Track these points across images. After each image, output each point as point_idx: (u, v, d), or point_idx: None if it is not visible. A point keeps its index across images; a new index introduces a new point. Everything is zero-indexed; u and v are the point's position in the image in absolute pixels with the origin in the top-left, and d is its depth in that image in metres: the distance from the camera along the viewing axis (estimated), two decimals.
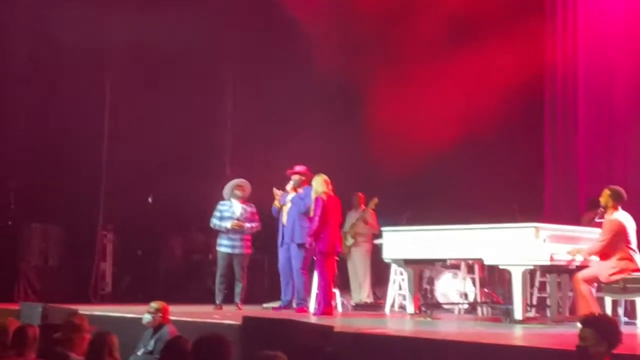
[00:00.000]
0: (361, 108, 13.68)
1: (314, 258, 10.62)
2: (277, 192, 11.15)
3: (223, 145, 15.90)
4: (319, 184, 10.46)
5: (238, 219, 11.32)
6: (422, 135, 12.87)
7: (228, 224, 11.33)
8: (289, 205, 11.00)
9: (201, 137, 15.03)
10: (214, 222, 11.49)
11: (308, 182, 11.00)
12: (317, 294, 10.53)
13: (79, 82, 12.86)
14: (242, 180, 11.69)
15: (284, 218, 11.02)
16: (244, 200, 11.54)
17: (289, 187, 11.08)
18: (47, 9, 12.55)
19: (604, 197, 8.82)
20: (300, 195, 10.93)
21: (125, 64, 13.60)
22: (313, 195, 10.47)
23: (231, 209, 11.46)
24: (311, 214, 10.49)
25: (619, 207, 8.77)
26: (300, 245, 10.80)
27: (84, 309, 9.88)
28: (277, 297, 11.57)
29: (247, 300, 11.64)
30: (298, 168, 11.17)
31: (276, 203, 11.18)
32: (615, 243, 8.60)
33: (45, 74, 12.75)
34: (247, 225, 11.35)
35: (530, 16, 13.14)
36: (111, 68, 13.35)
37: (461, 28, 13.14)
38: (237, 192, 11.48)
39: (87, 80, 12.97)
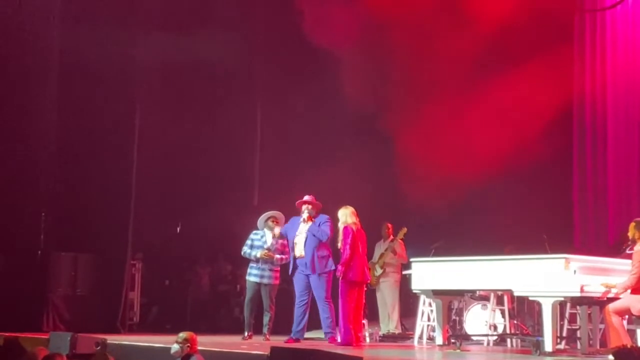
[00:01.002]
0: (390, 139, 13.69)
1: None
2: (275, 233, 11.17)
3: (251, 176, 15.97)
4: (348, 215, 10.46)
5: (269, 249, 11.32)
6: (451, 166, 12.88)
7: (258, 253, 11.33)
8: (304, 236, 10.92)
9: (230, 167, 15.11)
10: (245, 249, 11.51)
11: (317, 211, 11.00)
12: (341, 323, 10.43)
13: (109, 110, 12.96)
14: (277, 212, 11.69)
15: (299, 249, 10.95)
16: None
17: (305, 216, 11.01)
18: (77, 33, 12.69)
19: (631, 230, 8.76)
20: (316, 223, 10.86)
21: (155, 93, 13.71)
22: (341, 226, 10.44)
23: (263, 239, 11.46)
24: (339, 244, 10.45)
25: None
26: (322, 275, 10.74)
27: (112, 339, 9.92)
28: (311, 327, 11.54)
29: (275, 330, 11.58)
30: (307, 198, 11.11)
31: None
32: None
33: (75, 102, 12.85)
34: (277, 256, 11.33)
35: (559, 47, 13.15)
36: (140, 98, 13.42)
37: (490, 59, 13.16)
38: (270, 224, 11.48)
39: (116, 109, 13.05)
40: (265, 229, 11.49)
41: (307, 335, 11.48)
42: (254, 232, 11.57)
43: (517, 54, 12.82)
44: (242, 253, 11.59)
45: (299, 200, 11.09)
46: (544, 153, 12.84)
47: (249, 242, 11.48)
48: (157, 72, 13.69)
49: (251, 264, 11.46)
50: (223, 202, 14.62)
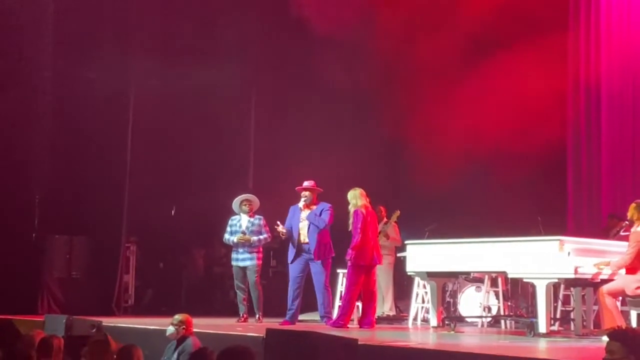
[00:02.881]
0: (385, 123, 13.68)
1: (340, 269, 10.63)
2: (281, 230, 11.14)
3: (246, 159, 15.95)
4: (357, 198, 10.49)
5: (244, 232, 11.34)
6: (445, 149, 12.87)
7: (235, 238, 11.37)
8: (305, 222, 10.94)
9: (224, 150, 15.10)
10: (225, 236, 11.55)
11: (318, 197, 11.01)
12: (339, 305, 10.51)
13: (103, 93, 12.93)
14: (249, 195, 11.72)
15: (302, 236, 10.97)
16: (252, 214, 11.53)
17: (300, 204, 11.04)
18: None
19: (631, 211, 8.77)
20: (315, 211, 10.86)
21: (150, 75, 13.66)
22: (351, 209, 10.46)
23: (239, 223, 11.48)
24: (349, 227, 10.48)
25: None
26: (325, 262, 10.78)
27: (108, 321, 9.93)
28: (305, 310, 11.58)
29: (272, 313, 11.62)
30: (306, 184, 11.09)
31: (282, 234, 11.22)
32: None
33: (69, 85, 12.81)
34: (254, 238, 11.33)
35: (554, 31, 13.13)
36: (135, 81, 13.40)
37: (485, 44, 13.15)
38: (244, 207, 11.50)
39: (111, 92, 13.02)
40: (241, 213, 11.50)
41: (302, 317, 11.53)
42: (232, 217, 11.60)
43: (512, 39, 12.80)
44: (224, 240, 11.65)
45: (298, 187, 11.10)
46: (539, 137, 12.84)
47: (228, 228, 11.53)
48: (153, 53, 13.62)
49: (233, 249, 11.53)
50: (218, 184, 14.61)
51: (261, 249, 11.56)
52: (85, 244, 13.12)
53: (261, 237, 11.37)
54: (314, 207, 10.92)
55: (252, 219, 11.46)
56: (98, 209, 12.93)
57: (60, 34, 12.79)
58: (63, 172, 12.85)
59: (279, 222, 11.09)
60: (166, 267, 15.77)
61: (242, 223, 11.45)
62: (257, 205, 11.59)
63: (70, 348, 7.41)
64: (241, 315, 11.39)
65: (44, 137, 12.86)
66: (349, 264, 10.41)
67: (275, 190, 12.32)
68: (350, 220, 10.47)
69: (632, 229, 8.73)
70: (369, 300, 10.59)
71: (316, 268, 10.79)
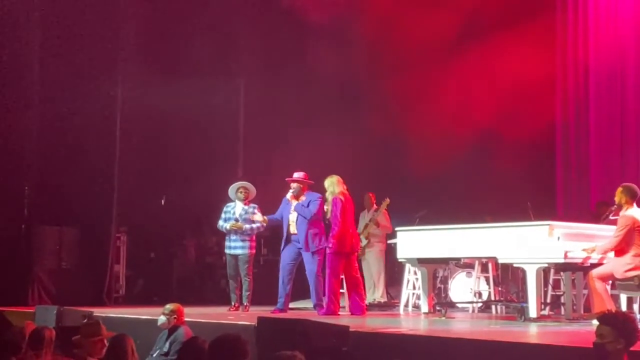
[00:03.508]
0: (374, 110, 13.68)
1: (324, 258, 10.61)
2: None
3: (235, 148, 15.92)
4: (335, 185, 10.49)
5: (237, 220, 11.33)
6: (434, 135, 12.88)
7: (228, 225, 11.35)
8: (295, 213, 10.94)
9: (214, 139, 15.07)
10: (220, 223, 11.53)
11: (308, 188, 10.99)
12: (327, 292, 10.47)
13: (92, 83, 12.87)
14: (245, 182, 11.70)
15: (292, 226, 10.96)
16: (248, 201, 11.52)
17: (288, 195, 11.02)
18: None
19: (618, 195, 8.79)
20: (303, 203, 10.84)
21: (138, 65, 13.62)
22: (329, 197, 10.47)
23: (233, 210, 11.46)
24: (328, 215, 10.48)
25: (634, 204, 8.73)
26: (315, 253, 10.79)
27: (99, 312, 9.93)
28: (297, 298, 11.59)
29: (263, 301, 11.62)
30: (296, 175, 11.06)
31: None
32: (630, 238, 8.56)
33: (57, 75, 12.75)
34: (247, 226, 11.32)
35: (542, 16, 13.13)
36: (123, 70, 13.35)
37: (473, 28, 13.13)
38: (240, 194, 11.48)
39: (99, 82, 12.97)
40: (237, 200, 11.49)
41: (294, 305, 11.54)
42: (227, 204, 11.58)
43: (500, 23, 12.79)
44: (218, 227, 11.63)
45: (288, 178, 11.09)
46: (528, 122, 12.87)
47: (223, 215, 11.50)
48: (139, 39, 13.57)
49: (226, 237, 11.51)
50: (207, 174, 14.58)
51: (255, 238, 11.54)
52: (76, 234, 13.09)
53: (254, 225, 11.36)
54: (303, 197, 10.91)
55: (246, 207, 11.44)
56: (88, 200, 12.88)
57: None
58: (52, 163, 12.80)
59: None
60: (157, 256, 15.74)
61: (236, 210, 11.43)
62: (254, 194, 11.57)
63: (61, 339, 7.41)
64: (233, 304, 11.40)
65: (33, 128, 12.79)
66: (328, 252, 10.40)
67: (266, 179, 12.30)
68: (329, 208, 10.45)
69: (621, 213, 8.75)
70: (354, 286, 10.61)
71: (307, 257, 10.78)
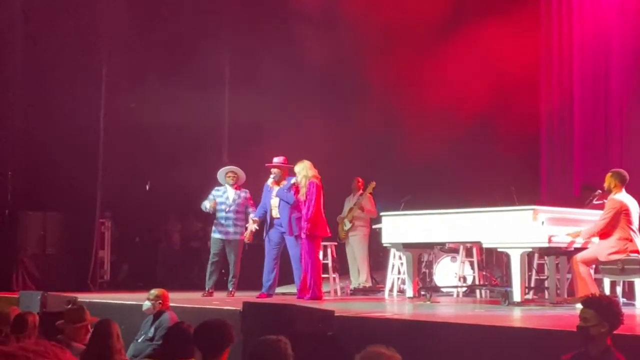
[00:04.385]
0: (360, 95, 13.67)
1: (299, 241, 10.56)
2: (252, 226, 11.08)
3: (220, 133, 15.87)
4: (309, 169, 10.41)
5: (230, 205, 11.29)
6: (419, 122, 12.88)
7: (207, 204, 11.25)
8: (277, 199, 10.89)
9: (198, 124, 15.00)
10: (204, 203, 11.40)
11: (289, 173, 10.95)
12: (309, 277, 10.40)
13: (76, 66, 12.79)
14: (234, 167, 11.66)
15: (275, 211, 10.92)
16: (238, 186, 11.50)
17: (269, 181, 10.97)
18: None
19: (608, 179, 8.83)
20: (284, 188, 10.79)
21: (123, 46, 13.55)
22: (304, 181, 10.37)
23: (225, 195, 11.41)
24: (302, 198, 10.39)
25: (623, 189, 8.77)
26: (298, 237, 10.77)
27: (83, 297, 9.91)
28: (282, 283, 11.57)
29: (248, 287, 11.61)
30: (276, 160, 11.00)
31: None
32: (616, 222, 8.60)
33: (41, 60, 12.67)
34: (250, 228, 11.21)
35: (527, 3, 13.15)
36: (107, 53, 13.27)
37: (459, 15, 13.13)
38: (229, 179, 11.44)
39: (83, 65, 12.89)
40: (227, 185, 11.46)
41: (280, 290, 11.53)
42: (216, 188, 11.54)
43: (485, 10, 12.79)
44: (201, 206, 11.51)
45: (268, 164, 11.04)
46: (512, 108, 12.88)
47: (211, 197, 11.43)
48: (123, 20, 13.49)
49: (215, 221, 11.44)
50: (192, 159, 14.54)
51: (246, 224, 11.45)
52: (60, 220, 13.04)
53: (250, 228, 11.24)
54: (284, 182, 10.86)
55: (238, 192, 11.41)
56: (72, 185, 12.82)
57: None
58: (36, 148, 12.74)
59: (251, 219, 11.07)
60: (142, 242, 15.72)
61: (229, 195, 11.37)
62: (243, 179, 11.55)
63: (45, 324, 7.40)
64: (207, 289, 11.31)
65: (16, 112, 12.72)
66: (303, 236, 10.33)
67: (250, 165, 12.26)
68: (304, 191, 10.36)
69: (609, 197, 8.79)
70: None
71: (290, 242, 10.76)
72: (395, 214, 10.58)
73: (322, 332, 7.09)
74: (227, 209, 11.34)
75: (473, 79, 12.83)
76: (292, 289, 11.32)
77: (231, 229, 11.34)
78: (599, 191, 9.23)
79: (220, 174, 11.55)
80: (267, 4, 14.71)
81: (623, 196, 8.71)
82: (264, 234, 11.03)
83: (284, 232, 10.77)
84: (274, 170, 10.93)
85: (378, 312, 8.50)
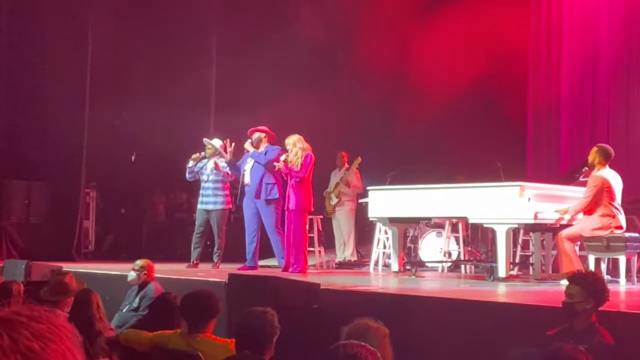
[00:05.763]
0: (344, 68, 13.62)
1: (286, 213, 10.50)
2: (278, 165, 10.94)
3: (207, 105, 15.79)
4: (303, 141, 10.37)
5: (207, 175, 11.21)
6: (406, 95, 12.86)
7: (190, 162, 11.22)
8: (250, 163, 10.76)
9: (185, 95, 14.92)
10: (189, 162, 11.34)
11: (269, 141, 10.83)
12: (294, 250, 10.33)
13: (61, 37, 12.68)
14: (205, 139, 11.52)
15: (247, 177, 10.79)
16: (217, 155, 11.33)
17: (247, 144, 10.81)
18: None
19: (593, 154, 8.82)
20: (262, 152, 10.66)
21: (108, 23, 13.44)
22: (300, 152, 10.28)
23: (204, 165, 11.31)
24: (297, 168, 10.26)
25: (607, 165, 8.78)
26: (269, 202, 10.58)
27: (68, 267, 9.84)
28: (262, 256, 11.53)
29: (232, 259, 11.58)
30: (260, 128, 10.94)
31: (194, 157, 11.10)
32: (598, 199, 8.62)
33: (26, 34, 12.55)
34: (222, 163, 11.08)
35: None
36: (93, 21, 13.15)
37: None
38: (207, 152, 11.33)
39: (69, 35, 12.78)
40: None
41: (263, 263, 11.50)
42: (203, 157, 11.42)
43: None
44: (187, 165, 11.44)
45: (251, 129, 10.94)
46: (499, 84, 12.88)
47: (197, 161, 11.33)
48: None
49: (200, 192, 11.37)
50: (178, 130, 14.47)
51: (229, 194, 11.37)
52: (44, 189, 12.99)
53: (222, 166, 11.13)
54: (262, 148, 10.67)
55: (215, 159, 11.23)
56: (57, 154, 12.76)
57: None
58: (20, 117, 12.65)
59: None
60: (127, 212, 15.68)
61: (207, 165, 11.25)
62: (218, 147, 11.37)
63: (29, 293, 7.37)
64: (192, 260, 11.26)
65: (0, 80, 12.62)
66: (293, 208, 10.23)
67: (236, 135, 12.20)
68: (299, 162, 10.22)
69: (593, 173, 8.80)
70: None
71: (262, 210, 10.58)
72: (381, 189, 10.57)
73: (308, 305, 7.10)
74: (206, 179, 11.27)
75: (462, 56, 12.81)
76: (274, 262, 11.25)
77: (211, 199, 11.24)
78: (586, 168, 9.23)
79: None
80: None
81: (606, 172, 8.73)
82: (237, 202, 10.90)
83: (256, 202, 10.62)
84: (254, 134, 10.81)
85: (363, 286, 8.52)
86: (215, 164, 11.07)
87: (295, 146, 10.31)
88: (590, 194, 8.63)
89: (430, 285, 9.34)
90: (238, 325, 4.56)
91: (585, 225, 8.67)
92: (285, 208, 10.46)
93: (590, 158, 8.86)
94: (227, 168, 11.09)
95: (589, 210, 8.70)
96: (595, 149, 8.85)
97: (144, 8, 14.13)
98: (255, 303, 4.95)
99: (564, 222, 8.98)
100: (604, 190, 8.61)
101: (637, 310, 5.96)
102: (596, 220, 8.63)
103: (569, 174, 11.07)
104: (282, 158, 10.40)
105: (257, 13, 14.54)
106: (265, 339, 4.49)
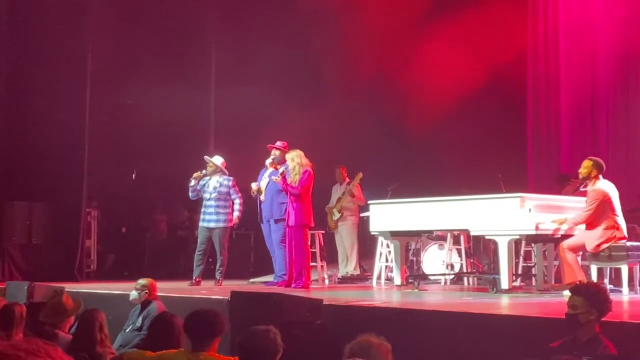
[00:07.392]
0: (345, 83, 13.62)
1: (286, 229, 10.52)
2: (253, 189, 11.03)
3: (207, 122, 15.82)
4: (302, 157, 10.38)
5: (210, 192, 11.23)
6: (406, 109, 12.87)
7: (192, 181, 11.24)
8: (266, 181, 10.85)
9: (185, 113, 14.95)
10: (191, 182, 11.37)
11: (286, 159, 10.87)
12: (296, 266, 10.31)
13: (61, 55, 12.70)
14: (206, 157, 11.55)
15: (263, 194, 10.89)
16: (218, 172, 11.35)
17: (268, 162, 10.95)
18: None
19: (587, 168, 8.82)
20: (279, 170, 10.72)
21: (109, 38, 13.46)
22: (298, 168, 10.29)
23: (207, 183, 11.33)
24: (295, 184, 10.28)
25: (600, 176, 8.79)
26: (278, 221, 10.71)
27: (70, 287, 9.86)
28: (264, 272, 11.53)
29: (235, 275, 11.58)
30: (279, 143, 11.01)
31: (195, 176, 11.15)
32: (601, 212, 8.62)
33: (26, 47, 12.56)
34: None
35: None
36: (93, 41, 13.17)
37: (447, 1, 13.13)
38: (208, 169, 11.36)
39: (69, 55, 12.80)
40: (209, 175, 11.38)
41: (258, 280, 11.50)
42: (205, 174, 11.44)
43: None
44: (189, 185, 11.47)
45: (270, 145, 11.02)
46: (499, 95, 12.90)
47: (199, 181, 11.36)
48: (110, 9, 13.42)
49: (202, 209, 11.39)
50: (179, 148, 14.50)
51: (231, 212, 11.38)
52: (46, 209, 12.96)
53: (235, 214, 11.23)
54: (280, 167, 10.82)
55: (220, 179, 11.29)
56: (58, 174, 12.75)
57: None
58: (21, 137, 12.65)
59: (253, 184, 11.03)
60: (128, 231, 15.66)
61: (209, 183, 11.27)
62: (222, 166, 11.38)
63: (32, 315, 7.35)
64: (194, 278, 11.26)
65: (0, 101, 12.63)
66: (294, 224, 10.24)
67: (236, 150, 12.22)
68: (297, 178, 10.25)
69: (589, 187, 8.80)
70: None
71: (273, 226, 10.74)
72: (382, 202, 10.58)
73: (311, 321, 7.08)
74: (208, 197, 11.29)
75: (461, 68, 12.82)
76: (271, 278, 11.23)
77: (213, 217, 11.27)
78: (581, 179, 9.22)
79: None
80: None
81: (603, 185, 8.73)
82: (258, 219, 11.01)
83: (270, 219, 10.73)
84: (274, 152, 10.91)
85: (366, 301, 8.49)
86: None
87: (293, 161, 10.33)
88: (592, 208, 8.62)
89: (433, 298, 9.33)
90: (241, 344, 4.55)
91: (589, 239, 8.64)
92: (285, 225, 10.48)
93: (584, 171, 8.83)
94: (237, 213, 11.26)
95: (590, 223, 8.69)
96: (590, 162, 8.83)
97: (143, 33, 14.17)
98: (258, 320, 4.95)
99: (561, 232, 8.96)
100: (605, 203, 8.61)
101: None
102: (600, 233, 8.61)
103: (560, 182, 11.09)
104: (280, 171, 10.45)
105: (258, 35, 14.54)
106: (269, 357, 4.48)
